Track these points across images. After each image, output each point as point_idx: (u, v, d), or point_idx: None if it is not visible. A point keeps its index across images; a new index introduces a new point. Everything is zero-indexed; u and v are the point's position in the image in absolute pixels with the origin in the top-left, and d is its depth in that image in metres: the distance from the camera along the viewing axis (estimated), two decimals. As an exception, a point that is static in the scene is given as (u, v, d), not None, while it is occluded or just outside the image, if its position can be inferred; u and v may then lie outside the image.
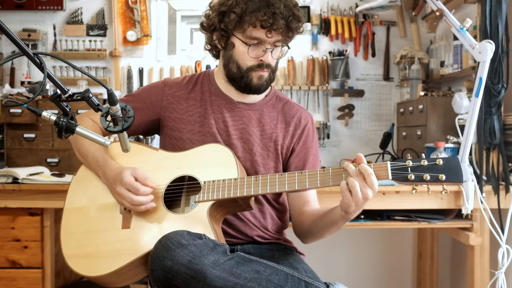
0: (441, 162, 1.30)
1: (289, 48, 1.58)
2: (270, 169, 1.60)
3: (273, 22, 1.46)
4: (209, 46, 1.63)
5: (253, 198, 1.49)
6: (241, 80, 1.56)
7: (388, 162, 1.33)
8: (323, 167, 1.69)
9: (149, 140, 2.66)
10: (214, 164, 1.48)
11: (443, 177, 1.28)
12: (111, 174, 1.48)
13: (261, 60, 1.52)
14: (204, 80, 1.66)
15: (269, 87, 1.66)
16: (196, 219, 1.41)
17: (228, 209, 1.50)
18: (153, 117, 1.64)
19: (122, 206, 1.48)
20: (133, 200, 1.42)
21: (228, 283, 1.22)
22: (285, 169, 1.65)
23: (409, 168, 1.31)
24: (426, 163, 1.30)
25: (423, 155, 1.34)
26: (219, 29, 1.54)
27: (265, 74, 1.55)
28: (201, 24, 1.61)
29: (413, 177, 1.30)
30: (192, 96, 1.64)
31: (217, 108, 1.61)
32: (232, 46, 1.54)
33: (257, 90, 1.57)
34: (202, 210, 1.42)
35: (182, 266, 1.23)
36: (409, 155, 1.36)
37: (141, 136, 2.59)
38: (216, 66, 1.70)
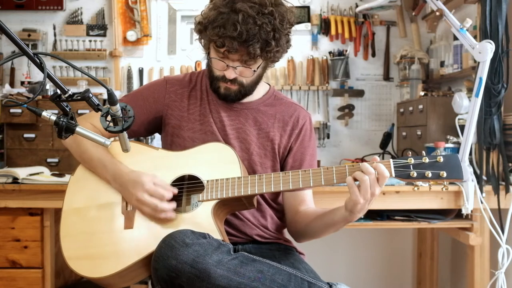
0: (442, 160, 1.33)
1: (260, 70, 1.52)
2: (267, 169, 1.60)
3: (225, 44, 1.42)
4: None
5: (256, 196, 1.49)
6: (211, 85, 1.57)
7: (391, 160, 1.35)
8: (323, 167, 1.69)
9: (149, 140, 2.66)
10: (216, 163, 1.48)
11: (444, 174, 1.31)
12: (124, 178, 1.46)
13: (224, 73, 1.51)
14: (204, 78, 1.66)
15: (268, 86, 1.67)
16: (200, 218, 1.41)
17: (231, 208, 1.50)
18: (156, 114, 1.63)
19: (124, 206, 1.47)
20: (158, 207, 1.40)
21: (232, 283, 1.22)
22: (282, 168, 1.64)
23: (411, 166, 1.33)
24: (427, 160, 1.33)
25: (424, 153, 1.35)
26: (198, 35, 1.55)
27: (232, 87, 1.53)
28: (194, 28, 1.61)
29: (415, 174, 1.32)
30: (193, 94, 1.64)
31: (214, 107, 1.61)
32: (208, 51, 1.55)
33: (224, 99, 1.57)
34: (206, 209, 1.41)
35: (186, 265, 1.23)
36: (410, 153, 1.37)
37: (141, 136, 2.59)
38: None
